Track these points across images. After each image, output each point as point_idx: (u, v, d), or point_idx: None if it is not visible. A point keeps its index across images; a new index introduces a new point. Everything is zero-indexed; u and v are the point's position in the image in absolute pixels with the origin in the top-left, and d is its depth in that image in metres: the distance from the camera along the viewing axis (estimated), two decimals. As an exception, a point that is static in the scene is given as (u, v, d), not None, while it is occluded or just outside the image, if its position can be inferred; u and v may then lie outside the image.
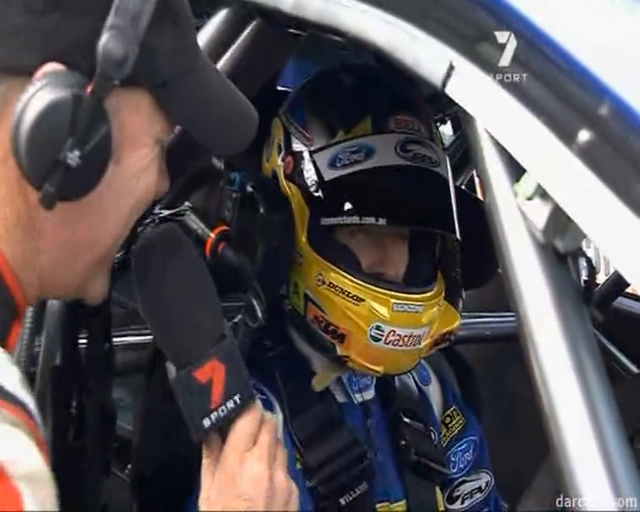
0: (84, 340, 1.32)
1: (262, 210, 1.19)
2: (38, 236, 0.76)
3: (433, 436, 1.37)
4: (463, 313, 1.35)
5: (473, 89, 0.71)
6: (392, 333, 1.20)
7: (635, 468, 0.60)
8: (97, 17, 0.72)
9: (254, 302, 1.19)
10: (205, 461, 0.89)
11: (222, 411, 0.85)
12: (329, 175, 1.23)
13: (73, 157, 0.70)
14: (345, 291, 1.20)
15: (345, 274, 1.21)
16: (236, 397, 0.85)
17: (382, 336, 1.20)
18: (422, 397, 1.42)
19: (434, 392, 1.46)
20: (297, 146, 1.27)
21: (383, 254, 1.24)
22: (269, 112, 1.30)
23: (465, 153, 2.02)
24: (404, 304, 1.20)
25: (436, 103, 1.54)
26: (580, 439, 0.61)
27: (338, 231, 1.24)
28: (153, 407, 1.30)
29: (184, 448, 1.21)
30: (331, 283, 1.22)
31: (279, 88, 1.51)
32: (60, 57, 0.72)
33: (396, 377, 1.36)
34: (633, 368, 2.09)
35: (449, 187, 1.27)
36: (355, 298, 1.20)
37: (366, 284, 1.20)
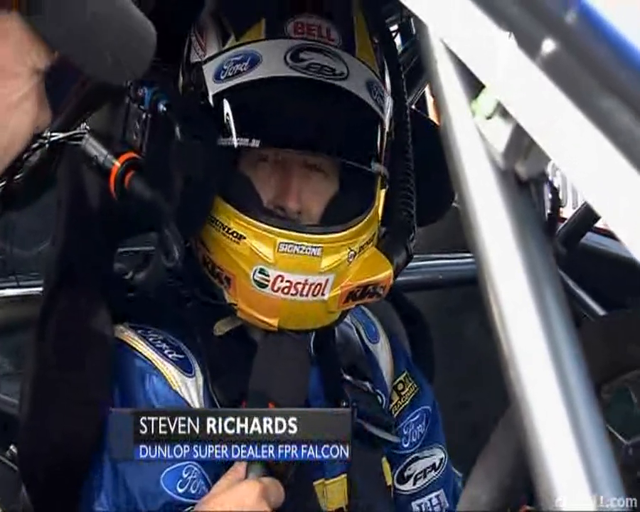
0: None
1: (178, 134, 1.20)
2: None
3: (380, 400, 1.40)
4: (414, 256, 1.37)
5: (426, -10, 0.72)
6: (279, 278, 1.20)
7: (601, 421, 0.64)
8: None
9: (171, 244, 1.19)
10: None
11: None
12: (213, 89, 1.24)
13: None
14: (226, 226, 1.22)
15: (227, 206, 1.22)
16: None
17: (267, 281, 1.21)
18: (369, 356, 1.43)
19: (382, 351, 1.47)
20: (193, 57, 1.29)
21: (285, 186, 1.24)
22: (185, 13, 1.30)
23: (416, 67, 2.04)
24: (295, 244, 1.20)
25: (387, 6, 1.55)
26: (543, 390, 0.65)
27: (241, 161, 1.26)
28: (46, 374, 1.29)
29: (82, 423, 1.24)
30: (212, 217, 1.24)
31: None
32: None
33: (336, 329, 1.37)
34: (600, 311, 2.15)
35: (361, 106, 1.25)
36: (235, 235, 1.21)
37: (247, 218, 1.21)
